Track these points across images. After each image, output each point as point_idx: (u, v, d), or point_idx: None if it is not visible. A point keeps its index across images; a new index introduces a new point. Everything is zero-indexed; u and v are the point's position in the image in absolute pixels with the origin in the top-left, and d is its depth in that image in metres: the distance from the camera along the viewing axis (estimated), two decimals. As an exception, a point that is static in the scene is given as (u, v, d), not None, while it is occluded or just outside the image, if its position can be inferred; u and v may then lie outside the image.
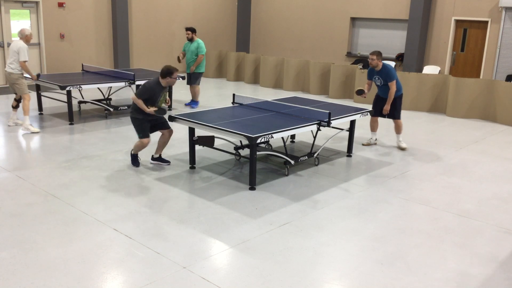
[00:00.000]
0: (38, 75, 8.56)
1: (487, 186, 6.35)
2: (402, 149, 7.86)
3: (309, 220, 5.08)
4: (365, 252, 4.44)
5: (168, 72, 6.24)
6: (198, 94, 10.63)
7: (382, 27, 14.67)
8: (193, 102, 10.71)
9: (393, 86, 7.57)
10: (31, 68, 12.75)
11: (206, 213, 5.15)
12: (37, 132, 8.10)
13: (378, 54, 7.57)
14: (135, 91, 10.30)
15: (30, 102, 8.23)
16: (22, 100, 8.20)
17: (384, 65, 7.63)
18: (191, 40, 10.42)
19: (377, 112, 7.93)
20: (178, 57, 10.55)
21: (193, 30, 10.41)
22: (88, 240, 4.46)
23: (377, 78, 7.71)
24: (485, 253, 4.52)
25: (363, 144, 8.05)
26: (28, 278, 3.80)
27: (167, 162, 6.66)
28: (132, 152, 6.55)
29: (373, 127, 8.06)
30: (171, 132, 6.58)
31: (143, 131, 6.35)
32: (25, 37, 8.04)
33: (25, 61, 7.92)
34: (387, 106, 7.69)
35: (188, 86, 10.76)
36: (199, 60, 10.27)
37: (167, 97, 6.54)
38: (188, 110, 10.19)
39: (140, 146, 6.45)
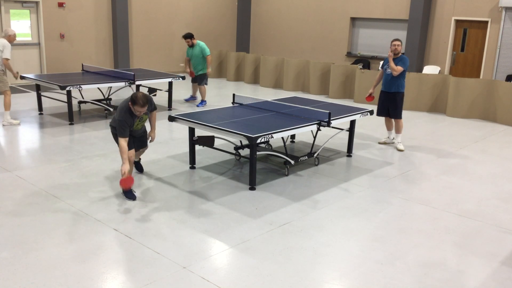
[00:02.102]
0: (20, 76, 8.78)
1: (487, 186, 6.34)
2: (399, 150, 7.84)
3: (309, 220, 5.08)
4: (365, 252, 4.44)
5: (132, 100, 5.19)
6: (204, 94, 10.93)
7: (382, 27, 14.67)
8: (201, 102, 11.01)
9: (400, 68, 7.55)
10: (30, 69, 12.80)
11: (206, 213, 5.15)
12: (18, 124, 8.47)
13: (401, 42, 7.74)
14: (134, 90, 10.32)
15: (10, 98, 8.47)
16: (4, 96, 8.38)
17: (402, 54, 7.77)
18: (192, 46, 10.74)
19: (383, 112, 7.97)
20: (188, 70, 10.95)
21: (191, 37, 10.65)
22: (88, 240, 4.46)
23: (388, 65, 7.76)
24: (485, 253, 4.52)
25: (379, 143, 8.15)
26: (28, 278, 3.80)
27: (140, 170, 6.23)
28: (123, 188, 5.37)
29: (388, 126, 8.13)
30: (143, 151, 6.06)
31: (124, 132, 5.30)
32: (7, 37, 8.31)
33: (7, 59, 8.15)
34: (392, 64, 7.62)
35: (192, 83, 11.24)
36: (209, 61, 10.69)
37: (150, 128, 5.84)
38: (186, 109, 10.19)
39: (122, 154, 5.28)
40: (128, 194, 5.46)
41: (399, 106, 7.83)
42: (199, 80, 10.81)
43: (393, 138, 8.19)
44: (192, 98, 11.36)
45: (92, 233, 4.59)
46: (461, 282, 4.00)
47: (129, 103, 5.27)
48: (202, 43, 10.69)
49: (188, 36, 10.62)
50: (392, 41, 7.70)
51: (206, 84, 10.89)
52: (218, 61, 15.41)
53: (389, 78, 7.77)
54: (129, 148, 5.46)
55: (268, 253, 4.34)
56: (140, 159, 6.30)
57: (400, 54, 7.74)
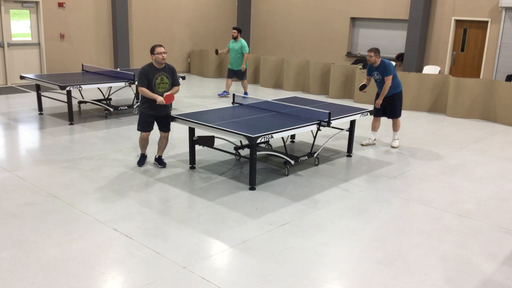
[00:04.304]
0: None
1: (487, 186, 6.34)
2: (393, 147, 7.93)
3: (309, 220, 5.08)
4: (365, 252, 4.44)
5: (151, 49, 6.13)
6: (246, 86, 12.07)
7: (382, 27, 14.67)
8: (245, 93, 12.07)
9: (388, 81, 7.58)
10: (30, 69, 12.81)
11: (206, 213, 5.15)
12: None
13: (376, 51, 7.61)
14: (135, 91, 10.36)
15: None
16: None
17: (382, 60, 7.67)
18: (235, 38, 11.69)
19: (378, 112, 7.94)
20: (216, 50, 12.10)
21: (239, 30, 11.74)
22: (88, 240, 4.46)
23: (376, 74, 7.74)
24: (485, 253, 4.52)
25: (362, 144, 8.05)
26: (28, 278, 3.80)
27: (162, 165, 6.56)
28: (140, 152, 6.68)
29: (374, 127, 8.06)
30: (166, 136, 6.52)
31: (141, 123, 6.38)
32: None
33: None
34: (379, 100, 7.71)
35: (226, 79, 12.17)
36: (245, 58, 11.61)
37: (169, 90, 6.28)
38: (186, 109, 10.19)
39: (140, 141, 6.53)
40: (139, 160, 6.57)
41: (398, 106, 7.85)
42: (240, 75, 11.76)
43: (375, 140, 8.16)
44: (225, 93, 12.07)
45: (92, 233, 4.59)
46: (461, 282, 4.00)
47: (151, 56, 6.11)
48: (244, 41, 11.64)
49: (237, 28, 11.68)
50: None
51: (246, 78, 11.90)
52: (218, 61, 15.41)
53: (381, 84, 7.76)
54: (149, 129, 6.40)
55: (268, 253, 4.34)
56: (161, 155, 6.69)
57: (378, 63, 7.62)
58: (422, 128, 9.55)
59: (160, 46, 6.11)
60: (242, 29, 17.39)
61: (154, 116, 6.35)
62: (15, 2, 12.38)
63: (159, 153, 6.62)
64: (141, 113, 6.36)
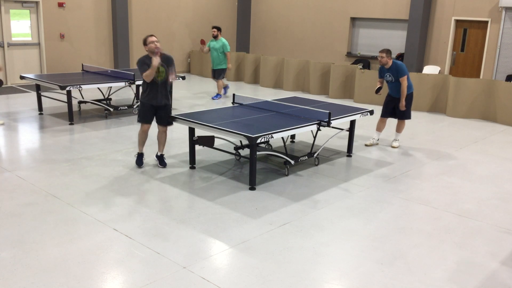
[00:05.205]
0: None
1: (487, 186, 6.35)
2: (393, 147, 7.95)
3: (309, 220, 5.08)
4: (365, 252, 4.44)
5: (143, 41, 6.17)
6: (221, 87, 11.69)
7: (382, 27, 14.67)
8: (216, 95, 11.81)
9: (404, 82, 7.56)
10: (30, 69, 12.80)
11: (206, 213, 5.15)
12: (3, 124, 8.47)
13: (387, 52, 7.59)
14: (135, 92, 10.36)
15: None
16: None
17: (394, 61, 7.65)
18: (216, 37, 11.39)
19: (387, 113, 7.93)
20: (202, 46, 11.68)
21: (219, 29, 11.45)
22: (88, 240, 4.46)
23: (388, 76, 7.71)
24: (485, 253, 4.52)
25: (366, 145, 8.05)
26: (28, 278, 3.80)
27: (163, 165, 6.55)
28: (138, 151, 6.63)
29: (380, 128, 8.06)
30: (164, 129, 6.49)
31: (142, 115, 6.35)
32: None
33: None
34: (402, 102, 7.66)
35: (215, 81, 11.91)
36: (228, 57, 11.43)
37: (172, 73, 6.25)
38: (186, 109, 10.19)
39: (140, 134, 6.46)
40: (137, 160, 6.54)
41: (408, 107, 7.82)
42: (216, 74, 11.55)
43: (378, 140, 8.17)
44: (225, 90, 12.10)
45: (92, 233, 4.59)
46: (461, 282, 4.01)
47: (144, 47, 6.13)
48: (225, 40, 11.36)
49: (217, 27, 11.44)
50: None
51: (223, 78, 11.61)
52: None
53: (393, 85, 7.75)
54: (150, 121, 6.37)
55: (268, 253, 4.34)
56: (163, 154, 6.68)
57: (389, 64, 7.62)
58: (422, 128, 9.56)
59: (151, 35, 6.15)
60: (241, 29, 17.44)
61: (154, 106, 6.30)
62: (15, 2, 12.38)
63: (160, 150, 6.61)
64: (141, 103, 6.34)
